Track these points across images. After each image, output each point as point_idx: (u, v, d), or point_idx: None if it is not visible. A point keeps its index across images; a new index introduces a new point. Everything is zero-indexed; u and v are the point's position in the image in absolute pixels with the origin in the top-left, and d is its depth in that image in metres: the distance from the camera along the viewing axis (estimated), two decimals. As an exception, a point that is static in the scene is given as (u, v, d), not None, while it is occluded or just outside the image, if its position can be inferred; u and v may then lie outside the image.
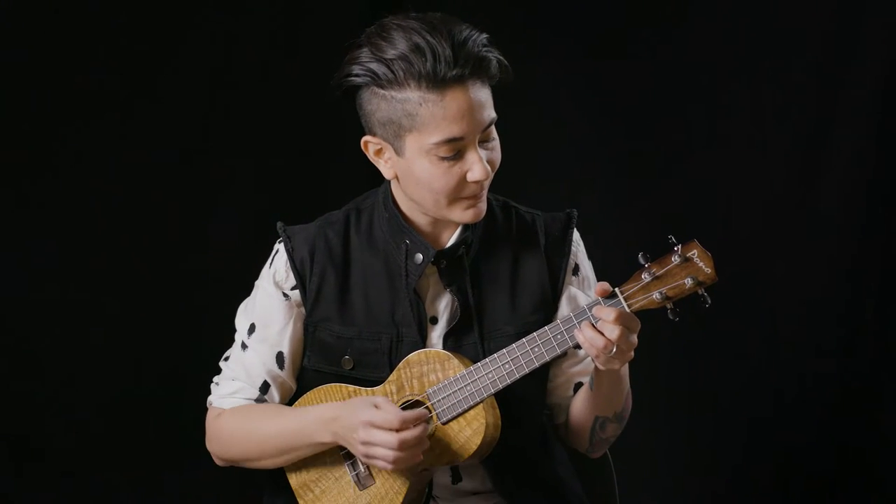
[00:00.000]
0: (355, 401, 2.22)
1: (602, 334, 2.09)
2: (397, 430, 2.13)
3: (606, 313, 2.09)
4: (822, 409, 3.60)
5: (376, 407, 2.17)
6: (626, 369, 2.24)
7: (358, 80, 2.18)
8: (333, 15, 3.39)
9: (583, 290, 2.35)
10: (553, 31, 3.52)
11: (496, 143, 2.23)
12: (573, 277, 2.35)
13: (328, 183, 3.38)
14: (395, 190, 2.31)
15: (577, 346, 2.15)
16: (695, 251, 2.07)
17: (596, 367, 2.18)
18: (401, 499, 2.25)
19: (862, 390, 3.58)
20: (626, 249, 2.21)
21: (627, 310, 2.10)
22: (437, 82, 2.13)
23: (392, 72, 2.14)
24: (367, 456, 2.17)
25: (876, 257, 3.53)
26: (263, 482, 2.41)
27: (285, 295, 2.32)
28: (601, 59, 3.53)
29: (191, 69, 3.37)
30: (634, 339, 2.11)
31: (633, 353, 2.13)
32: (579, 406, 2.33)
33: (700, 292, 2.06)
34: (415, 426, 2.15)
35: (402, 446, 2.14)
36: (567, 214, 2.37)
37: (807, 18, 3.47)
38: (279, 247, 2.35)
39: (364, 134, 2.25)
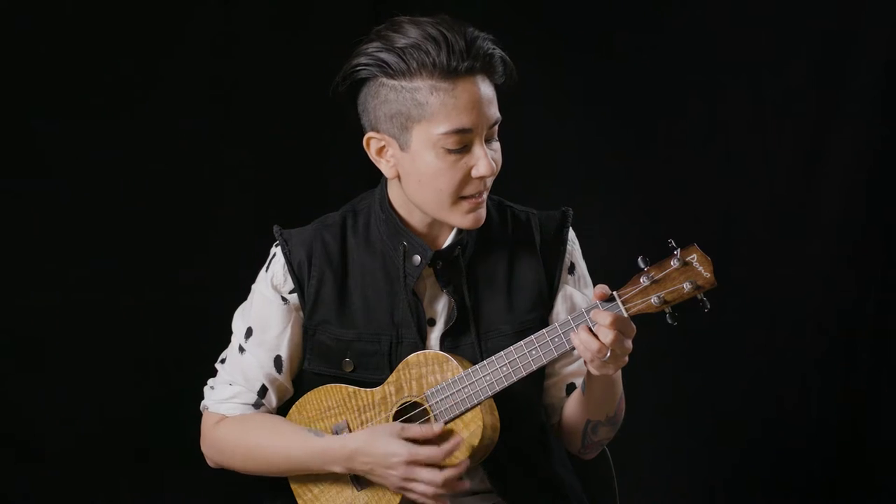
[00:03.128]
0: (376, 433, 2.21)
1: (597, 338, 2.09)
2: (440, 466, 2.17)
3: (602, 317, 2.09)
4: (822, 410, 3.60)
5: (408, 438, 2.18)
6: (618, 374, 2.24)
7: (366, 70, 2.18)
8: (334, 16, 3.39)
9: (578, 288, 2.36)
10: (553, 32, 3.51)
11: (498, 145, 2.24)
12: (569, 276, 2.35)
13: (325, 185, 3.38)
14: (391, 191, 2.31)
15: (573, 349, 2.15)
16: (694, 255, 2.06)
17: (588, 372, 2.18)
18: (398, 499, 2.25)
19: (862, 390, 3.58)
20: (625, 251, 2.21)
21: (625, 314, 2.10)
22: (449, 72, 2.14)
23: (404, 61, 2.15)
24: (404, 489, 2.19)
25: (876, 258, 3.53)
26: (263, 483, 2.40)
27: (284, 299, 2.32)
28: (601, 59, 3.53)
29: (190, 70, 3.37)
30: (629, 344, 2.11)
31: (627, 359, 2.13)
32: (571, 409, 2.33)
33: (699, 297, 2.06)
34: (457, 466, 2.17)
35: (447, 484, 2.16)
36: (562, 213, 2.37)
37: (807, 18, 3.47)
38: (276, 250, 2.35)
39: (365, 133, 2.25)
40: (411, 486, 2.17)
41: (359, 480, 2.28)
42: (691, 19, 3.51)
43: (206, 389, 2.40)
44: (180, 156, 3.38)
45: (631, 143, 3.56)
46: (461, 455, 2.20)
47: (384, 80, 2.18)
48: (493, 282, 2.31)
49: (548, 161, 3.52)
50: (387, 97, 2.18)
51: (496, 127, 2.22)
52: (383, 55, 2.16)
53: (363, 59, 2.18)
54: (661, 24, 3.53)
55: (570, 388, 2.35)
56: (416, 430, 2.19)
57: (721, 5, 3.51)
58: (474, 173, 2.19)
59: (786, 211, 3.54)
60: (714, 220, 3.55)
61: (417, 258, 2.28)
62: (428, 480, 2.16)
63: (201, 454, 2.41)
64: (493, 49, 2.18)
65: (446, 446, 2.18)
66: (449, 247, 2.29)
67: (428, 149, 2.18)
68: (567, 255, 2.35)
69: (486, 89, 2.18)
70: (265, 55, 3.43)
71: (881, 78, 3.45)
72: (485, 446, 2.22)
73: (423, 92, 2.15)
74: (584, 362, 2.14)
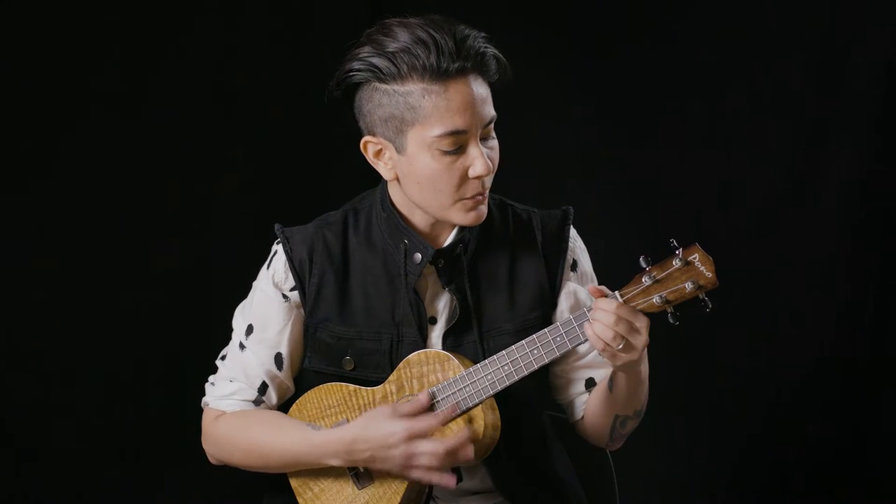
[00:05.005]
0: (370, 417, 2.21)
1: (607, 328, 2.09)
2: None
3: (606, 303, 2.09)
4: (822, 410, 3.60)
5: (402, 415, 2.18)
6: (646, 369, 2.24)
7: (359, 75, 2.18)
8: (333, 16, 3.39)
9: (582, 285, 2.36)
10: (553, 31, 3.51)
11: (496, 143, 2.24)
12: (571, 273, 2.35)
13: (325, 184, 3.38)
14: (392, 190, 2.31)
15: (577, 347, 2.16)
16: (696, 255, 2.06)
17: (614, 369, 2.19)
18: (398, 498, 2.25)
19: (862, 390, 3.58)
20: (625, 251, 2.21)
21: (627, 310, 2.11)
22: (440, 74, 2.14)
23: (395, 65, 2.15)
24: (408, 467, 2.18)
25: (875, 257, 3.53)
26: (263, 481, 2.41)
27: (284, 296, 2.33)
28: (601, 59, 3.53)
29: (190, 69, 3.37)
30: (644, 335, 2.10)
31: (641, 349, 2.12)
32: (598, 405, 2.33)
33: (701, 296, 2.06)
34: (457, 436, 2.16)
35: (450, 453, 2.16)
36: (563, 212, 2.37)
37: (806, 19, 3.47)
38: (277, 248, 2.35)
39: (362, 136, 2.26)
40: (415, 461, 2.17)
41: (359, 479, 2.28)
42: (691, 19, 3.51)
43: (207, 386, 2.40)
44: (180, 155, 3.38)
45: (631, 143, 3.56)
46: (459, 427, 2.20)
47: (377, 84, 2.18)
48: (495, 280, 2.31)
49: (548, 161, 3.52)
50: (380, 101, 2.18)
51: (492, 125, 2.22)
52: (374, 60, 2.16)
53: (355, 65, 2.19)
54: (661, 24, 3.53)
55: (589, 382, 2.36)
56: (406, 406, 2.20)
57: (721, 5, 3.51)
58: (471, 173, 2.19)
59: (785, 211, 3.54)
60: (713, 219, 3.55)
61: (418, 256, 2.28)
62: (430, 451, 2.16)
63: (201, 453, 2.42)
64: (485, 47, 2.17)
65: (442, 414, 2.18)
66: (451, 245, 2.29)
67: (423, 151, 2.18)
68: (569, 253, 2.36)
69: (479, 88, 2.17)
70: (265, 55, 3.43)
71: (881, 79, 3.45)
72: (486, 445, 2.23)
73: (416, 95, 2.15)
74: (599, 353, 2.15)
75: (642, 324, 2.10)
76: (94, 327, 3.37)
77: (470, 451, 2.17)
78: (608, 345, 2.10)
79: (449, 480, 2.18)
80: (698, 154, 3.56)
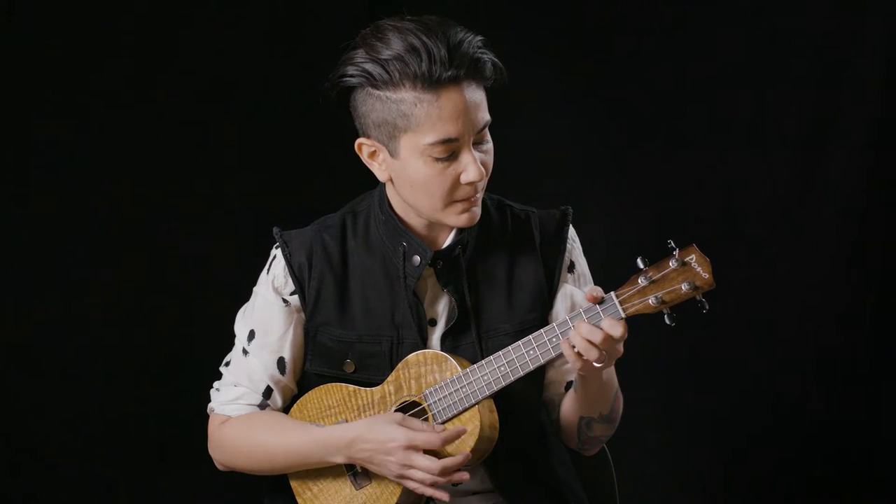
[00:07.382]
0: (375, 421, 2.22)
1: (589, 343, 2.10)
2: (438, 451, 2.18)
3: (583, 329, 2.10)
4: (823, 410, 3.60)
5: (407, 426, 2.18)
6: (612, 374, 2.25)
7: (353, 80, 2.18)
8: (331, 17, 3.39)
9: (579, 286, 2.36)
10: (552, 31, 3.51)
11: (490, 146, 2.23)
12: (568, 275, 2.35)
13: (325, 186, 3.38)
14: (390, 192, 2.31)
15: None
16: (693, 256, 2.06)
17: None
18: (395, 499, 2.25)
19: (862, 390, 3.58)
20: (624, 252, 2.20)
21: (622, 314, 2.10)
22: (432, 83, 2.13)
23: (387, 72, 2.14)
24: (402, 477, 2.19)
25: (875, 258, 3.53)
26: (263, 482, 2.41)
27: (285, 301, 2.32)
28: (601, 59, 3.53)
29: (188, 72, 3.37)
30: (620, 347, 2.12)
31: (617, 355, 2.14)
32: (566, 406, 2.34)
33: (698, 298, 2.06)
34: (456, 457, 2.17)
35: (444, 473, 2.16)
36: (562, 212, 2.37)
37: (807, 18, 3.47)
38: (276, 252, 2.35)
39: (358, 136, 2.25)
40: (409, 472, 2.18)
41: (357, 479, 2.29)
42: (692, 19, 3.51)
43: (212, 392, 2.40)
44: (180, 156, 3.38)
45: (631, 143, 3.56)
46: (462, 447, 2.20)
47: (370, 89, 2.18)
48: (494, 281, 2.31)
49: (547, 161, 3.52)
50: (374, 106, 2.18)
51: (486, 129, 2.21)
52: (368, 66, 2.15)
53: (349, 70, 2.18)
54: (661, 25, 3.53)
55: (570, 385, 2.36)
56: (416, 423, 2.20)
57: (722, 5, 3.50)
58: (463, 179, 2.18)
59: (786, 211, 3.54)
60: (713, 219, 3.55)
61: (417, 259, 2.28)
62: (425, 468, 2.16)
63: (201, 454, 2.42)
64: (479, 53, 2.16)
65: (445, 434, 2.18)
66: (449, 246, 2.29)
67: (416, 157, 2.18)
68: (567, 254, 2.35)
69: (472, 94, 2.16)
70: (265, 54, 3.43)
71: (881, 78, 3.45)
72: (483, 446, 2.23)
73: (408, 103, 2.15)
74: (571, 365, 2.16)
75: (622, 337, 2.10)
76: (94, 328, 3.37)
77: (465, 475, 2.19)
78: (583, 363, 2.11)
79: (441, 496, 2.19)
80: (698, 154, 3.56)
